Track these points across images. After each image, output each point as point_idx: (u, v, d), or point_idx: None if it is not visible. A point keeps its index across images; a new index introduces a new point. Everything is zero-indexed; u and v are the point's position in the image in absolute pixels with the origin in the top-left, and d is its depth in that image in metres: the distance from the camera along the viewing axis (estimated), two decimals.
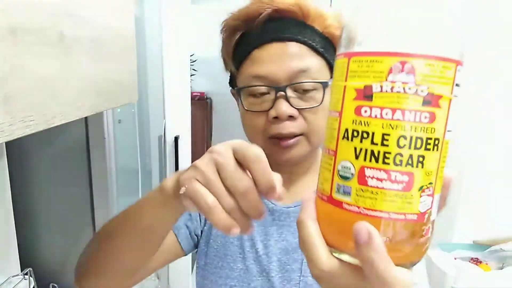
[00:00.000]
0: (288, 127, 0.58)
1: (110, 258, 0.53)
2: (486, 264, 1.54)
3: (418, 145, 0.26)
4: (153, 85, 1.85)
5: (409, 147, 0.26)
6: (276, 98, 0.58)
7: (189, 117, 2.01)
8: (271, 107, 0.58)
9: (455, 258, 1.53)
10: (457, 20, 0.27)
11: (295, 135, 0.59)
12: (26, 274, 0.91)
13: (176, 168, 1.92)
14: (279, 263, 0.63)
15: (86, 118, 1.05)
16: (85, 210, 1.10)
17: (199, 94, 3.69)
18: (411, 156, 0.26)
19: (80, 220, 1.11)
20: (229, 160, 0.36)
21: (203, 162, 0.38)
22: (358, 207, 0.27)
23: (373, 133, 0.26)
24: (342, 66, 0.28)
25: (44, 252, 1.12)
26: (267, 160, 0.36)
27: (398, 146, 0.26)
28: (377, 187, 0.26)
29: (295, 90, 0.59)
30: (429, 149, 0.27)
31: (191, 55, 2.25)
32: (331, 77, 0.60)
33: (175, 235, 0.67)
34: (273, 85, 0.58)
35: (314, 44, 0.59)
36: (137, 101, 1.09)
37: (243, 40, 0.62)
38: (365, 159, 0.26)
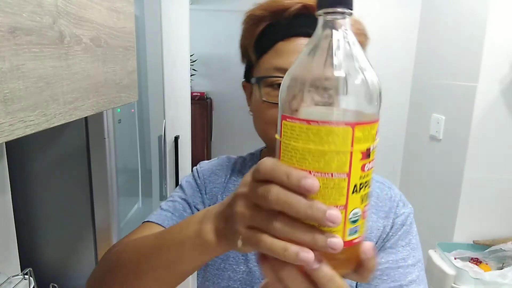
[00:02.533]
0: None
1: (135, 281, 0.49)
2: (486, 264, 1.54)
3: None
4: (153, 85, 1.84)
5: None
6: None
7: (189, 117, 2.00)
8: None
9: (455, 258, 1.53)
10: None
11: None
12: (26, 274, 0.91)
13: (176, 168, 1.91)
14: None
15: (86, 118, 1.05)
16: (85, 210, 1.10)
17: (199, 94, 3.68)
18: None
19: (80, 220, 1.11)
20: (259, 186, 0.33)
21: (239, 203, 0.35)
22: (361, 235, 0.34)
23: (368, 180, 0.33)
24: (346, 134, 0.31)
25: (44, 252, 1.12)
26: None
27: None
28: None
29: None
30: None
31: (191, 55, 2.25)
32: None
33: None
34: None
35: None
36: (137, 101, 1.09)
37: (268, 31, 0.62)
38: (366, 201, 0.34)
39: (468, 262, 1.51)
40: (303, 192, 0.31)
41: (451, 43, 1.73)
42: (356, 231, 0.32)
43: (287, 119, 0.32)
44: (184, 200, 0.69)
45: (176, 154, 1.91)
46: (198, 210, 0.67)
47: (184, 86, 1.96)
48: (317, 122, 0.31)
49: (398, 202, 0.67)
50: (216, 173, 0.72)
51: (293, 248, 0.30)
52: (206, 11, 3.82)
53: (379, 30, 1.86)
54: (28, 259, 1.07)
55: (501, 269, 1.45)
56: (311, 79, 0.33)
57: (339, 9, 0.33)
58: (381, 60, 1.93)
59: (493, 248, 1.56)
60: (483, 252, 1.58)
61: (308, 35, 0.56)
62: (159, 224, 0.63)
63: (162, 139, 1.84)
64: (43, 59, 0.49)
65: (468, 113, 1.56)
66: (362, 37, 0.62)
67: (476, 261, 1.55)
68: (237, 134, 4.02)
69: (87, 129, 1.06)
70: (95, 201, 1.11)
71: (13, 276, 0.90)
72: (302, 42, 0.58)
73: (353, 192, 0.31)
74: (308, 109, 0.32)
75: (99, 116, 1.04)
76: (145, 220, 0.66)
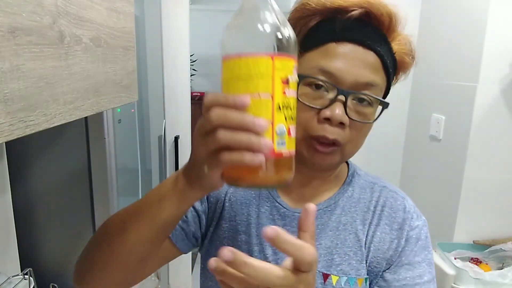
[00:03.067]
0: (335, 133, 0.55)
1: (120, 252, 0.52)
2: (486, 264, 1.54)
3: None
4: (153, 85, 1.85)
5: None
6: (335, 100, 0.54)
7: (189, 117, 2.01)
8: (326, 107, 0.55)
9: (455, 258, 1.53)
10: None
11: (336, 144, 0.56)
12: (26, 274, 0.91)
13: (176, 168, 1.92)
14: None
15: (86, 118, 1.05)
16: (85, 210, 1.10)
17: (199, 94, 3.69)
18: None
19: (80, 220, 1.11)
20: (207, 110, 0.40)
21: (194, 140, 0.42)
22: (290, 151, 0.41)
23: (289, 105, 0.41)
24: (268, 62, 0.40)
25: (44, 252, 1.12)
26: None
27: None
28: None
29: (354, 99, 0.56)
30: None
31: (191, 55, 2.25)
32: (383, 98, 0.61)
33: (169, 237, 0.65)
34: (337, 85, 0.55)
35: (387, 61, 0.57)
36: (137, 101, 1.09)
37: (321, 27, 0.58)
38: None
39: (468, 262, 1.51)
40: (238, 107, 0.38)
41: (451, 43, 1.73)
42: (283, 143, 0.40)
43: (225, 59, 0.43)
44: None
45: (176, 154, 1.91)
46: (194, 207, 0.67)
47: (184, 86, 1.96)
48: (246, 55, 0.40)
49: (412, 214, 0.65)
50: None
51: (246, 154, 0.37)
52: (206, 11, 3.83)
53: None
54: (28, 259, 1.07)
55: (501, 269, 1.45)
56: (245, 28, 0.42)
57: None
58: None
59: (493, 248, 1.56)
60: (483, 252, 1.58)
61: (363, 44, 0.55)
62: None
63: (162, 139, 1.84)
64: (43, 59, 0.49)
65: (468, 113, 1.56)
66: (409, 57, 0.61)
67: (476, 261, 1.55)
68: None
69: (87, 129, 1.06)
70: (95, 201, 1.11)
71: (13, 276, 0.90)
72: (354, 50, 0.55)
73: (278, 110, 0.40)
74: (239, 48, 0.41)
75: (99, 116, 1.04)
76: None
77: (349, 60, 0.55)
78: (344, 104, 0.55)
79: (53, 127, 0.52)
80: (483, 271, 1.44)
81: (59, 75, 0.54)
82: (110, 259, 0.54)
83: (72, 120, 0.58)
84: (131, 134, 1.42)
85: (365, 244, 0.63)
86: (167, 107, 1.88)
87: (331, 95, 0.55)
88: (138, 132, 1.51)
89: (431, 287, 0.62)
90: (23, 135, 0.45)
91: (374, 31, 0.57)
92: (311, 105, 0.55)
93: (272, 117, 0.39)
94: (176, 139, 1.91)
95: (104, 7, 0.70)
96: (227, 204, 0.67)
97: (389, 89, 0.63)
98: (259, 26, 0.41)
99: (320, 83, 0.55)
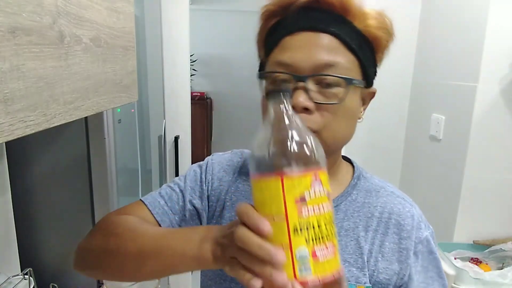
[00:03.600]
0: (302, 119, 0.56)
1: (128, 271, 0.56)
2: (486, 264, 1.54)
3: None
4: (153, 85, 1.84)
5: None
6: (295, 88, 0.55)
7: (189, 117, 2.01)
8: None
9: (455, 258, 1.53)
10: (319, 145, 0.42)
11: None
12: (26, 274, 0.91)
13: (176, 168, 1.92)
14: None
15: (86, 118, 1.05)
16: (85, 210, 1.10)
17: (199, 94, 3.68)
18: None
19: (80, 220, 1.11)
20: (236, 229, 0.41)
21: (228, 238, 0.43)
22: (319, 276, 0.38)
23: (313, 223, 0.38)
24: (275, 185, 0.39)
25: (44, 252, 1.12)
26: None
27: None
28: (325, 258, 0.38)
29: (318, 83, 0.55)
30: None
31: (191, 55, 2.25)
32: (363, 78, 0.59)
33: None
34: (295, 73, 0.55)
35: (348, 39, 0.56)
36: (137, 101, 1.09)
37: (277, 26, 0.60)
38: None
39: (468, 262, 1.51)
40: (260, 234, 0.39)
41: (451, 43, 1.73)
42: (306, 269, 0.37)
43: (251, 178, 0.42)
44: (181, 192, 0.69)
45: (176, 154, 1.91)
46: (193, 205, 0.68)
47: (184, 86, 1.96)
48: (259, 177, 0.40)
49: (420, 223, 0.64)
50: (225, 170, 0.71)
51: (254, 280, 0.39)
52: (206, 11, 3.82)
53: None
54: (28, 259, 1.07)
55: (501, 269, 1.45)
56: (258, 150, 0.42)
57: (281, 94, 0.43)
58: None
59: (493, 248, 1.56)
60: (483, 252, 1.58)
61: (315, 29, 0.55)
62: (149, 210, 0.66)
63: (162, 139, 1.84)
64: (43, 59, 0.49)
65: (468, 113, 1.56)
66: (381, 31, 0.59)
67: (476, 261, 1.55)
68: (237, 134, 4.02)
69: (87, 129, 1.06)
70: (95, 201, 1.11)
71: (13, 276, 0.90)
72: (307, 37, 0.56)
73: (295, 233, 0.38)
74: (255, 169, 0.41)
75: (99, 116, 1.04)
76: (141, 198, 0.69)
77: (303, 47, 0.56)
78: (306, 90, 0.54)
79: (53, 127, 0.52)
80: (483, 271, 1.44)
81: (59, 75, 0.54)
82: (119, 272, 0.57)
83: (72, 120, 0.58)
84: (131, 134, 1.42)
85: (368, 252, 0.61)
86: (167, 107, 1.88)
87: (292, 85, 0.55)
88: (138, 132, 1.51)
89: None
90: (23, 135, 0.45)
91: (326, 15, 0.57)
92: None
93: (289, 241, 0.38)
94: (176, 139, 1.91)
95: (104, 7, 0.70)
96: (228, 203, 0.67)
97: (370, 68, 0.60)
98: (266, 145, 0.40)
99: (283, 76, 0.56)
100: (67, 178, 1.08)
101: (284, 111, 0.42)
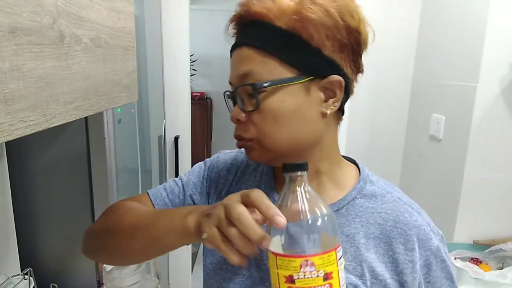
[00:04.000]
0: (237, 130, 0.61)
1: (126, 249, 0.61)
2: (486, 264, 1.54)
3: None
4: (153, 85, 1.85)
5: None
6: (234, 103, 0.61)
7: (189, 117, 2.01)
8: None
9: (455, 258, 1.53)
10: (333, 226, 0.46)
11: (245, 139, 0.59)
12: (26, 274, 0.91)
13: (176, 168, 1.92)
14: None
15: (86, 118, 1.05)
16: (85, 210, 1.10)
17: (199, 94, 3.69)
18: None
19: (80, 220, 1.11)
20: (235, 205, 0.46)
21: (217, 209, 0.48)
22: None
23: None
24: (271, 259, 0.45)
25: (44, 252, 1.12)
26: (264, 198, 0.46)
27: None
28: None
29: (246, 95, 0.58)
30: None
31: (191, 55, 2.25)
32: (299, 74, 0.56)
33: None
34: (232, 89, 0.61)
35: (259, 44, 0.56)
36: (137, 101, 1.09)
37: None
38: None
39: (468, 262, 1.51)
40: (271, 222, 0.44)
41: (451, 43, 1.73)
42: None
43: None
44: (183, 186, 0.72)
45: (176, 154, 1.91)
46: (192, 200, 0.71)
47: (184, 86, 1.96)
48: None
49: (429, 232, 0.61)
50: (228, 169, 0.72)
51: (232, 256, 0.46)
52: (206, 11, 3.82)
53: (379, 30, 1.85)
54: (28, 259, 1.07)
55: (501, 269, 1.45)
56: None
57: (299, 173, 0.47)
58: (381, 60, 1.94)
59: (493, 248, 1.56)
60: (483, 252, 1.58)
61: (238, 45, 0.59)
62: (151, 201, 0.71)
63: (162, 139, 1.84)
64: (43, 59, 0.49)
65: (468, 113, 1.56)
66: (295, 19, 0.55)
67: (476, 261, 1.55)
68: None
69: (87, 129, 1.06)
70: (95, 201, 1.11)
71: (13, 276, 0.90)
72: (234, 54, 0.60)
73: None
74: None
75: (99, 116, 1.04)
76: (148, 191, 0.74)
77: (232, 65, 0.60)
78: (238, 103, 0.59)
79: (53, 127, 0.52)
80: (483, 271, 1.44)
81: (59, 75, 0.54)
82: (115, 249, 0.63)
83: (72, 120, 0.58)
84: (131, 134, 1.42)
85: (369, 260, 0.59)
86: (167, 107, 1.88)
87: (232, 100, 0.61)
88: (138, 132, 1.51)
89: None
90: (23, 135, 0.45)
91: (249, 28, 0.59)
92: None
93: None
94: (176, 139, 1.91)
95: (104, 7, 0.70)
96: None
97: (308, 59, 0.56)
98: (274, 224, 0.45)
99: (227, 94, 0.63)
100: (67, 178, 1.08)
101: (298, 195, 0.47)
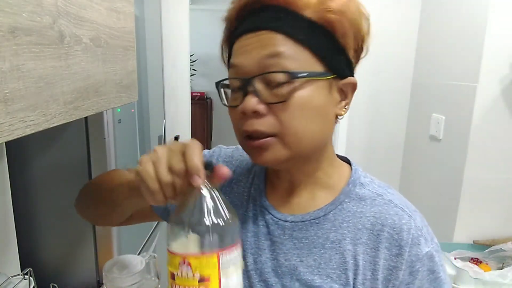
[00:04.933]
0: (253, 124, 0.52)
1: (102, 199, 0.69)
2: (486, 264, 1.54)
3: None
4: (153, 85, 1.85)
5: None
6: (245, 92, 0.52)
7: (189, 117, 2.01)
8: (242, 102, 0.52)
9: (455, 258, 1.53)
10: (222, 230, 0.45)
11: (265, 135, 0.52)
12: (26, 274, 0.91)
13: None
14: (265, 285, 0.59)
15: (86, 118, 1.05)
16: None
17: (199, 94, 3.69)
18: None
19: (80, 221, 1.10)
20: (174, 148, 0.47)
21: (158, 149, 0.48)
22: None
23: None
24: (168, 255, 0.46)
25: (44, 252, 1.12)
26: (197, 147, 0.46)
27: None
28: None
29: (268, 84, 0.52)
30: None
31: (191, 55, 2.25)
32: (328, 69, 0.53)
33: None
34: (242, 76, 0.53)
35: (289, 30, 0.51)
36: (137, 101, 1.09)
37: (229, 39, 0.59)
38: None
39: (468, 262, 1.51)
40: (190, 177, 0.45)
41: (451, 43, 1.73)
42: None
43: None
44: None
45: None
46: None
47: (184, 86, 1.96)
48: None
49: (418, 238, 0.55)
50: (226, 164, 0.68)
51: (154, 193, 0.47)
52: (206, 11, 3.83)
53: (379, 30, 1.84)
54: (28, 259, 1.07)
55: (501, 269, 1.46)
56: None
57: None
58: (381, 60, 1.94)
59: (493, 248, 1.56)
60: (483, 252, 1.58)
61: (255, 29, 0.53)
62: None
63: (162, 139, 1.84)
64: (43, 59, 0.49)
65: (468, 113, 1.56)
66: (331, 14, 0.52)
67: (476, 261, 1.55)
68: None
69: (87, 129, 1.06)
70: None
71: (13, 276, 0.90)
72: (249, 38, 0.53)
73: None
74: None
75: (99, 116, 1.04)
76: None
77: (247, 49, 0.53)
78: (255, 92, 0.51)
79: (53, 127, 0.52)
80: (483, 271, 1.44)
81: (59, 75, 0.54)
82: (98, 200, 0.70)
83: (72, 120, 0.58)
84: (131, 134, 1.42)
85: (355, 268, 0.55)
86: (167, 107, 1.88)
87: (242, 89, 0.53)
88: (138, 132, 1.51)
89: None
90: (23, 135, 0.45)
91: (269, 12, 0.53)
92: (232, 104, 0.55)
93: None
94: (176, 139, 1.91)
95: (104, 7, 0.70)
96: None
97: (334, 57, 0.53)
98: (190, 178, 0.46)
99: (236, 82, 0.54)
100: (67, 178, 1.08)
101: (204, 190, 0.46)
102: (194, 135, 2.18)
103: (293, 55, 0.51)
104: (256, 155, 0.55)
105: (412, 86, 2.03)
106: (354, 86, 0.56)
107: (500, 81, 1.53)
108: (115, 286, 0.83)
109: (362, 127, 2.04)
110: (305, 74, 0.51)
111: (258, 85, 0.52)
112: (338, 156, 0.65)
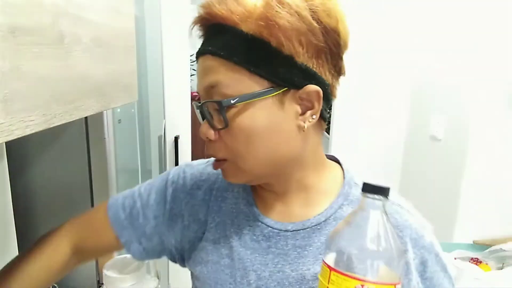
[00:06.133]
0: (208, 148, 0.54)
1: None
2: (486, 264, 1.54)
3: None
4: (153, 85, 1.85)
5: None
6: (202, 117, 0.54)
7: (189, 117, 2.01)
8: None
9: (455, 258, 1.53)
10: (397, 263, 0.43)
11: (218, 158, 0.54)
12: None
13: None
14: None
15: (86, 118, 1.05)
16: (85, 210, 1.10)
17: (199, 94, 3.68)
18: None
19: None
20: None
21: None
22: None
23: None
24: (325, 272, 0.43)
25: None
26: None
27: None
28: None
29: (216, 109, 0.52)
30: None
31: (191, 55, 2.25)
32: (272, 86, 0.50)
33: (122, 242, 0.67)
34: (200, 101, 0.54)
35: (225, 54, 0.50)
36: (137, 101, 1.09)
37: None
38: None
39: (468, 262, 1.52)
40: None
41: (451, 42, 1.73)
42: None
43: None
44: (143, 209, 0.67)
45: (176, 154, 1.91)
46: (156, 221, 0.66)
47: (184, 86, 1.96)
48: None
49: (420, 229, 0.57)
50: (199, 186, 0.66)
51: None
52: None
53: (379, 30, 1.86)
54: None
55: (501, 269, 1.46)
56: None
57: (377, 197, 0.43)
58: (381, 60, 1.94)
59: (493, 248, 1.56)
60: (483, 252, 1.58)
61: (201, 54, 0.52)
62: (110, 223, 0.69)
63: (162, 139, 1.84)
64: (43, 59, 0.49)
65: (468, 113, 1.56)
66: (261, 23, 0.48)
67: (476, 261, 1.55)
68: None
69: (87, 129, 1.06)
70: (95, 201, 1.11)
71: None
72: (199, 63, 0.53)
73: None
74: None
75: (99, 116, 1.04)
76: (108, 204, 0.71)
77: (198, 75, 0.54)
78: (207, 118, 0.52)
79: (53, 127, 0.52)
80: (483, 271, 1.44)
81: (59, 75, 0.54)
82: None
83: (72, 120, 0.58)
84: (131, 134, 1.42)
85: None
86: (167, 107, 1.88)
87: (200, 113, 0.55)
88: (138, 132, 1.51)
89: None
90: (23, 135, 0.45)
91: (212, 33, 0.52)
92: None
93: None
94: (176, 139, 1.91)
95: (104, 7, 0.70)
96: (212, 225, 0.63)
97: (279, 69, 0.50)
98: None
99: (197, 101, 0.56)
100: (67, 178, 1.08)
101: (372, 218, 0.43)
102: (194, 135, 2.18)
103: (230, 81, 0.50)
104: (222, 175, 0.57)
105: (412, 86, 2.03)
106: (317, 94, 0.51)
107: (500, 81, 1.53)
108: (115, 286, 0.83)
109: (362, 127, 2.04)
110: (235, 100, 0.50)
111: (206, 112, 0.52)
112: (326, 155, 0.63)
